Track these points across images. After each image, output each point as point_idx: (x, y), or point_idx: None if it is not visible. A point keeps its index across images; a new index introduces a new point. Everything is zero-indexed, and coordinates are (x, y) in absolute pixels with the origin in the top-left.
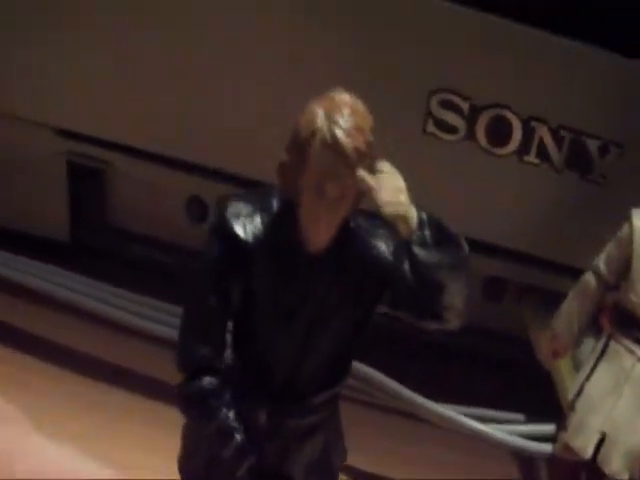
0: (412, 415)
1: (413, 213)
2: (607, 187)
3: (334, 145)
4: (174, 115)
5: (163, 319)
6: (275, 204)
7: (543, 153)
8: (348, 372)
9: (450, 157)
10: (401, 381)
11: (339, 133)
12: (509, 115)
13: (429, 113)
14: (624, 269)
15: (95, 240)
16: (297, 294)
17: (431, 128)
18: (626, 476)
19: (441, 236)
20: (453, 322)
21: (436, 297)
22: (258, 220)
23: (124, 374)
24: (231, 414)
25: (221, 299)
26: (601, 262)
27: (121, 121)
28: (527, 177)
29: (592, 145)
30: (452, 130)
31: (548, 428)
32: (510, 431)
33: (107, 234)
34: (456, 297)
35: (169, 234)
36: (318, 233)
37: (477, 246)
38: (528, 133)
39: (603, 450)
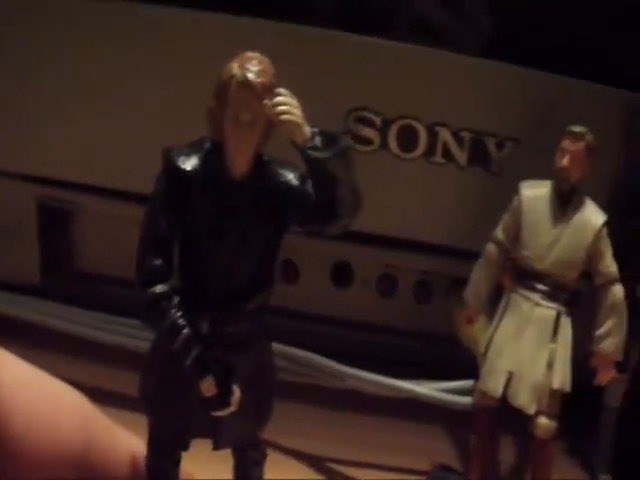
0: (353, 399)
1: (306, 125)
2: (505, 177)
3: (246, 83)
4: (140, 152)
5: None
6: (207, 145)
7: (447, 153)
8: (272, 282)
9: (368, 165)
10: None
11: (249, 74)
12: (415, 124)
13: (348, 129)
14: (517, 234)
15: (65, 282)
16: (225, 214)
17: None
18: (533, 409)
19: (327, 139)
20: (348, 217)
21: (331, 191)
22: (194, 157)
23: None
24: (179, 314)
25: (169, 222)
26: (499, 231)
27: (88, 162)
28: (436, 176)
29: (490, 142)
30: (368, 142)
31: (469, 383)
32: (435, 388)
33: (76, 276)
34: (346, 188)
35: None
36: (237, 155)
37: (402, 245)
38: (433, 137)
39: (511, 387)
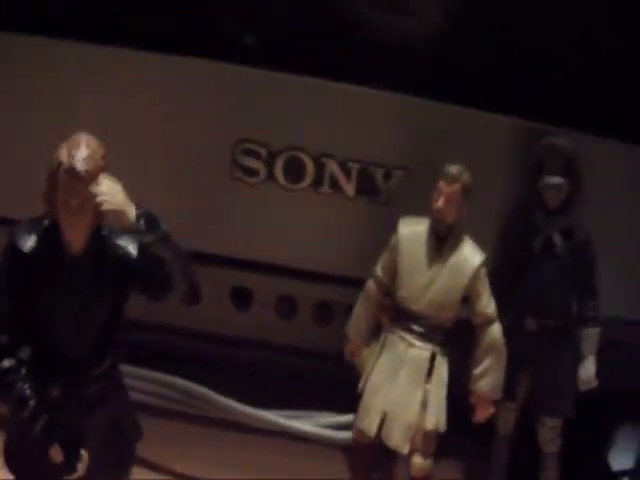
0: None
1: (131, 209)
2: (394, 207)
3: (72, 171)
4: None
5: None
6: (46, 223)
7: (335, 184)
8: (118, 347)
9: (254, 197)
10: None
11: (75, 163)
12: (302, 155)
13: (234, 161)
14: (395, 272)
15: None
16: (65, 287)
17: (237, 174)
18: (407, 449)
19: (150, 222)
20: (182, 287)
21: (161, 269)
22: (34, 236)
23: None
24: (26, 385)
25: (12, 298)
26: (378, 269)
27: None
28: (324, 207)
29: (377, 172)
30: (254, 174)
31: (351, 418)
32: (314, 424)
33: None
34: (174, 265)
35: None
36: (72, 237)
37: (297, 273)
38: (320, 168)
39: (385, 427)
